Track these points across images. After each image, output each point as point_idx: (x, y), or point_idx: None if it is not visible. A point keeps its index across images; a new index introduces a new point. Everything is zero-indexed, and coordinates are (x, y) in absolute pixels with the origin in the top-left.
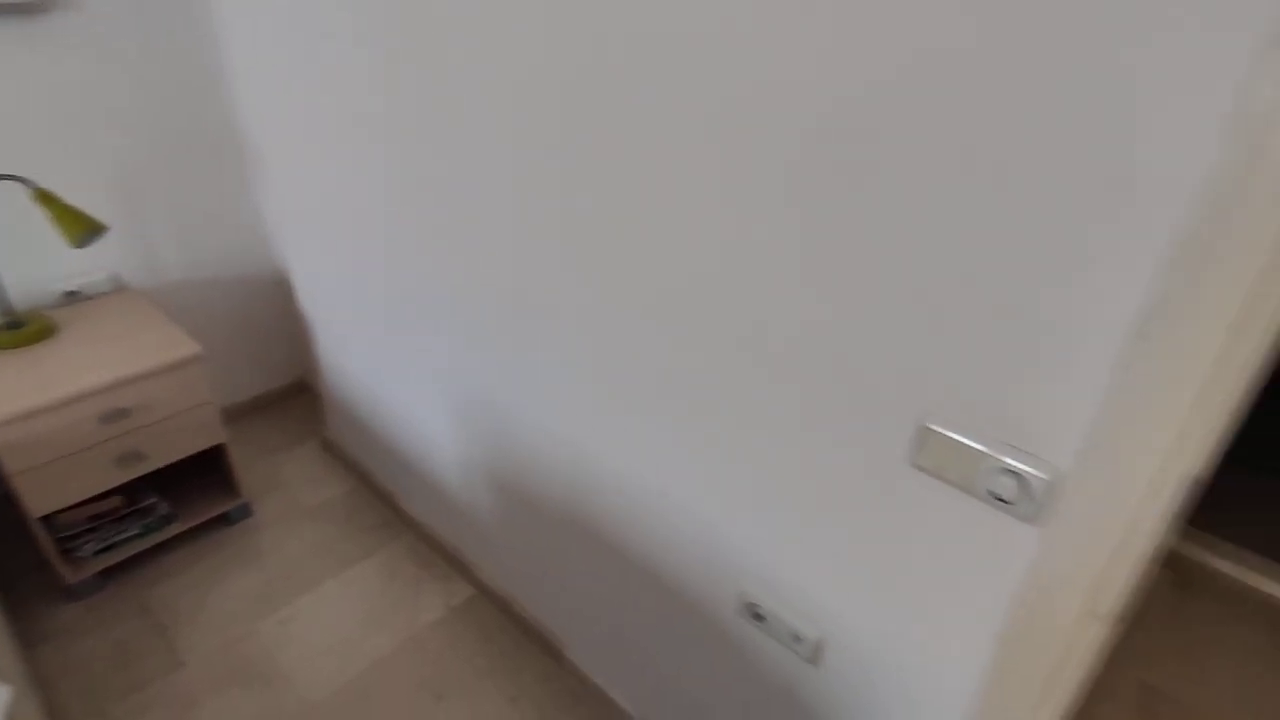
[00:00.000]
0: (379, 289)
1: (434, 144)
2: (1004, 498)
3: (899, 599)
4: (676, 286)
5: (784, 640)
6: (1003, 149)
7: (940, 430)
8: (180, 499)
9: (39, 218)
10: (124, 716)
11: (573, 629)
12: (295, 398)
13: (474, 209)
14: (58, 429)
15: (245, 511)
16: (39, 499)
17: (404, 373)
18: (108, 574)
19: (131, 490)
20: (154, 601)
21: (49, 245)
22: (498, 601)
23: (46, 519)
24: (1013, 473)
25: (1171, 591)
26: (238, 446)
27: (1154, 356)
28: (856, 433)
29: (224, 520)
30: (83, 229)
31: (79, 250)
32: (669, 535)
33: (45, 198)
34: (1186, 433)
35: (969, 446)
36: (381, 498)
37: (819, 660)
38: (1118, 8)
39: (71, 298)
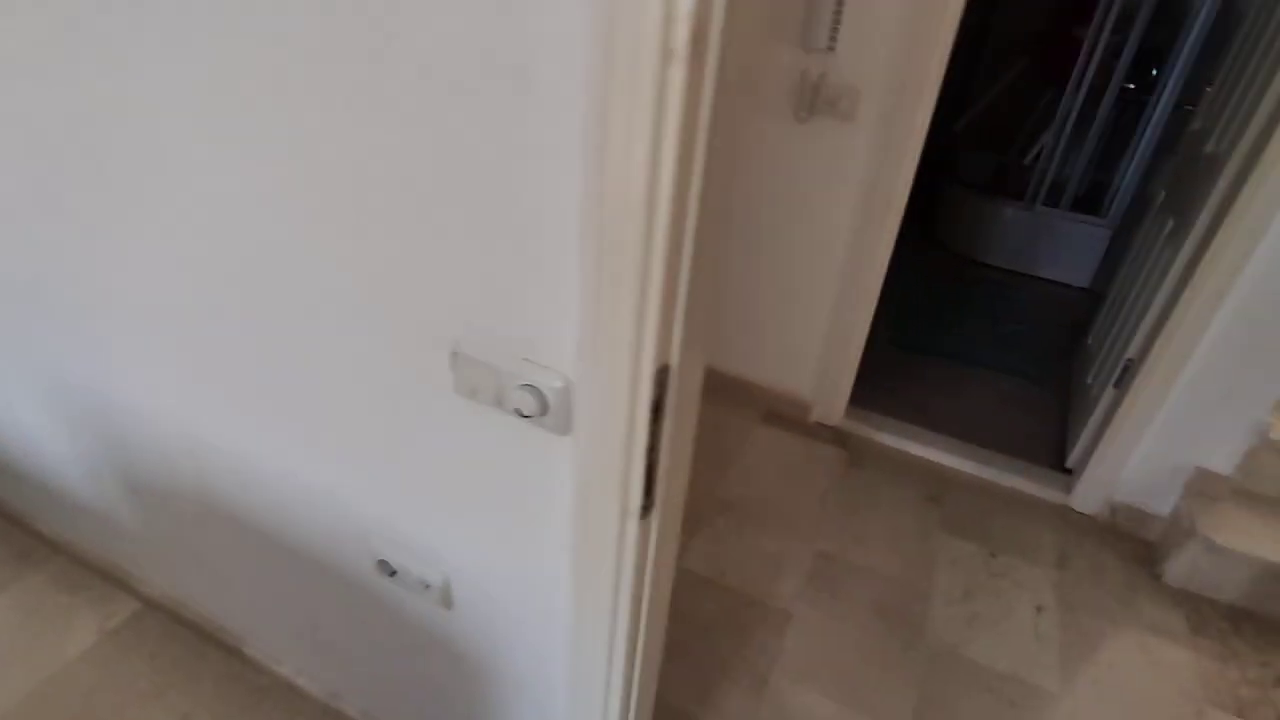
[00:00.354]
0: None
1: None
2: (525, 412)
3: (485, 529)
4: (214, 253)
5: (417, 590)
6: (420, 45)
7: (468, 354)
8: None
9: None
10: None
11: (248, 621)
12: None
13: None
14: None
15: None
16: None
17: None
18: None
19: None
20: None
21: None
22: (167, 611)
23: None
24: (530, 387)
25: (846, 469)
26: None
27: (602, 253)
28: (409, 371)
29: None
30: None
31: None
32: (299, 510)
33: None
34: (645, 325)
35: (492, 366)
36: (17, 525)
37: (450, 603)
38: None
39: None
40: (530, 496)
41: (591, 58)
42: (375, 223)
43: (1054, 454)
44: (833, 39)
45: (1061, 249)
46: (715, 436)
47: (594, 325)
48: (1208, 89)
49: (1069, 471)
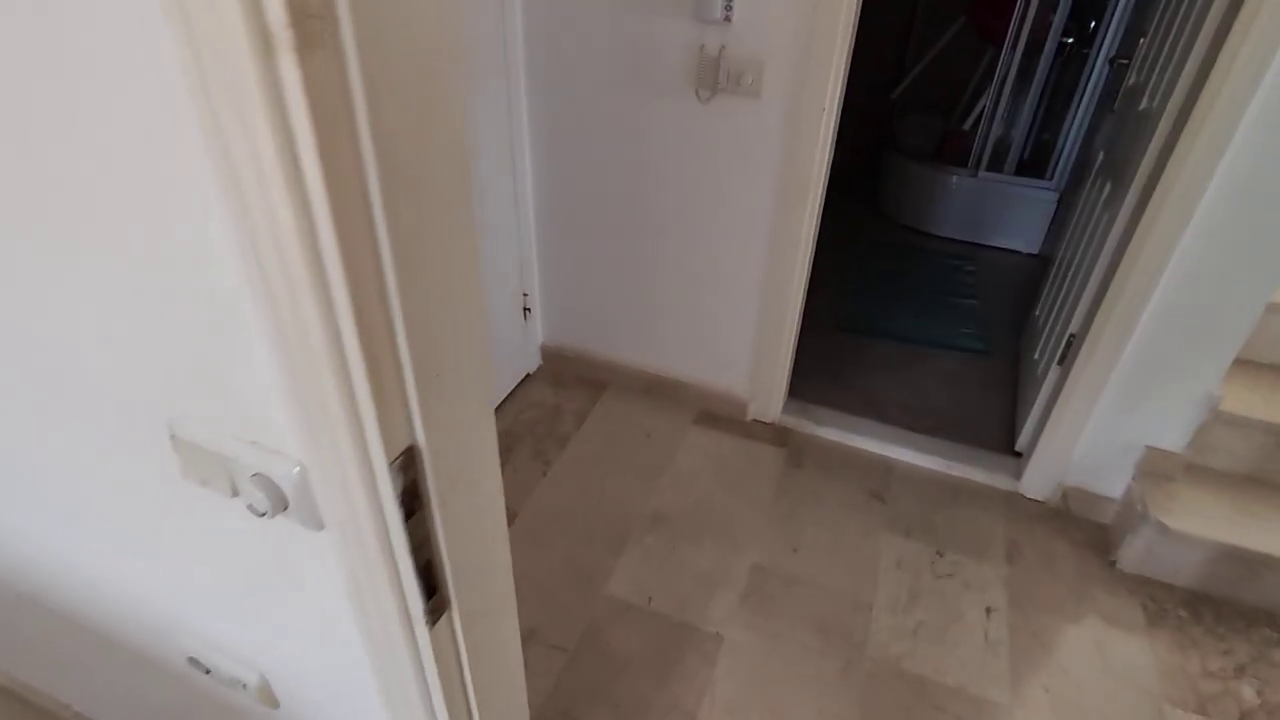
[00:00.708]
0: None
1: None
2: (258, 509)
3: (288, 627)
4: None
5: (236, 688)
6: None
7: (187, 437)
8: None
9: None
10: None
11: (99, 708)
12: None
13: None
14: None
15: None
16: None
17: None
18: None
19: None
20: None
21: None
22: (12, 694)
23: None
24: (262, 476)
25: (784, 469)
26: None
27: (278, 312)
28: (139, 457)
29: None
30: None
31: None
32: (109, 604)
33: None
34: (358, 400)
35: (216, 451)
36: None
37: (275, 703)
38: None
39: None
40: (317, 595)
41: (182, 53)
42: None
43: (1005, 437)
44: (728, 8)
45: (1008, 216)
46: (645, 443)
47: (302, 402)
48: (1141, 40)
49: (1019, 455)
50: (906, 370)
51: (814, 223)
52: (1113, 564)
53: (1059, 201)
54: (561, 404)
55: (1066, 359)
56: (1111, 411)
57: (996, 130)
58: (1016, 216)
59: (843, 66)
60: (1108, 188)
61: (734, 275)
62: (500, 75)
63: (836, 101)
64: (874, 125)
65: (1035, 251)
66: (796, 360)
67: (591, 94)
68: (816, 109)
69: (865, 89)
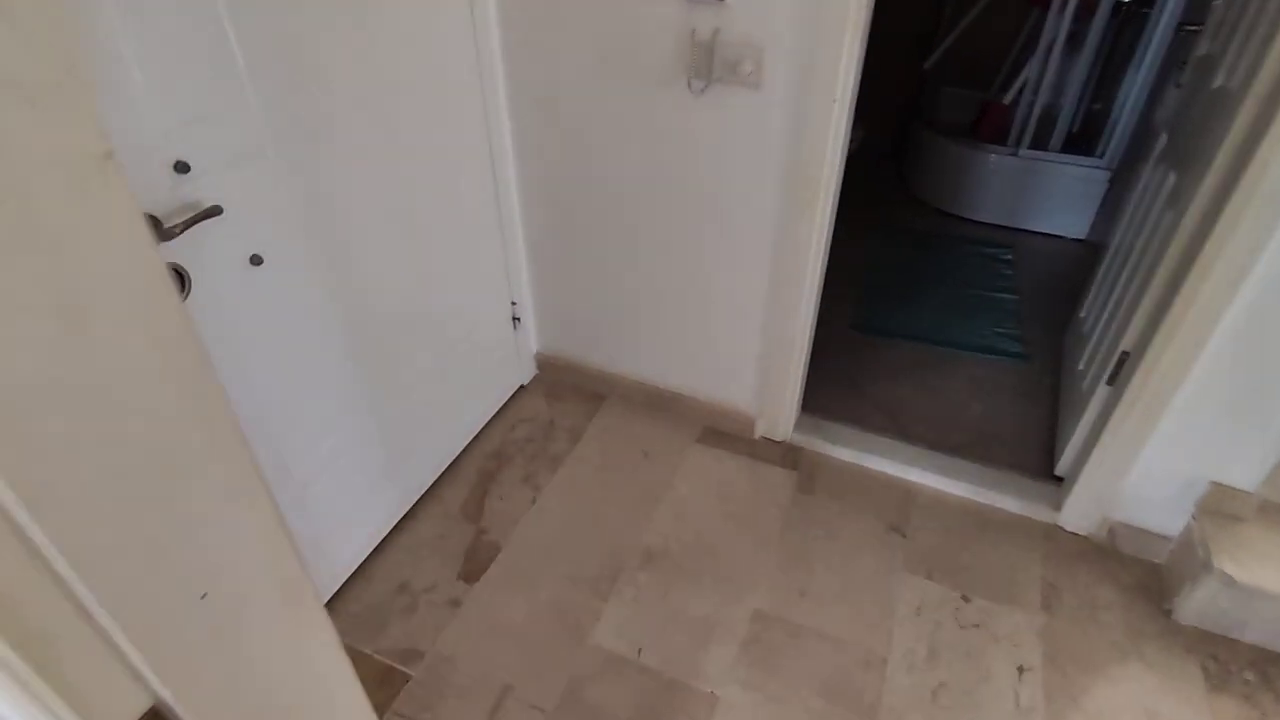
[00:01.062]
0: None
1: None
2: None
3: None
4: None
5: None
6: None
7: None
8: None
9: None
10: None
11: None
12: None
13: None
14: None
15: None
16: None
17: None
18: None
19: None
20: None
21: None
22: None
23: None
24: None
25: (794, 497)
26: None
27: None
28: None
29: None
30: None
31: None
32: None
33: None
34: None
35: None
36: None
37: None
38: None
39: None
40: None
41: None
42: None
43: (1043, 457)
44: None
45: (1053, 197)
46: (642, 464)
47: None
48: (1215, 2)
49: (1059, 480)
50: (933, 377)
51: (826, 226)
52: (1167, 614)
53: (1111, 181)
54: (556, 419)
55: (1118, 379)
56: (1170, 440)
57: (1041, 102)
58: (1062, 198)
59: (856, 50)
60: (1172, 178)
61: (736, 285)
62: (471, 67)
63: (849, 91)
64: (904, 97)
65: (1083, 236)
66: (811, 365)
67: (575, 85)
68: (826, 100)
69: (894, 57)
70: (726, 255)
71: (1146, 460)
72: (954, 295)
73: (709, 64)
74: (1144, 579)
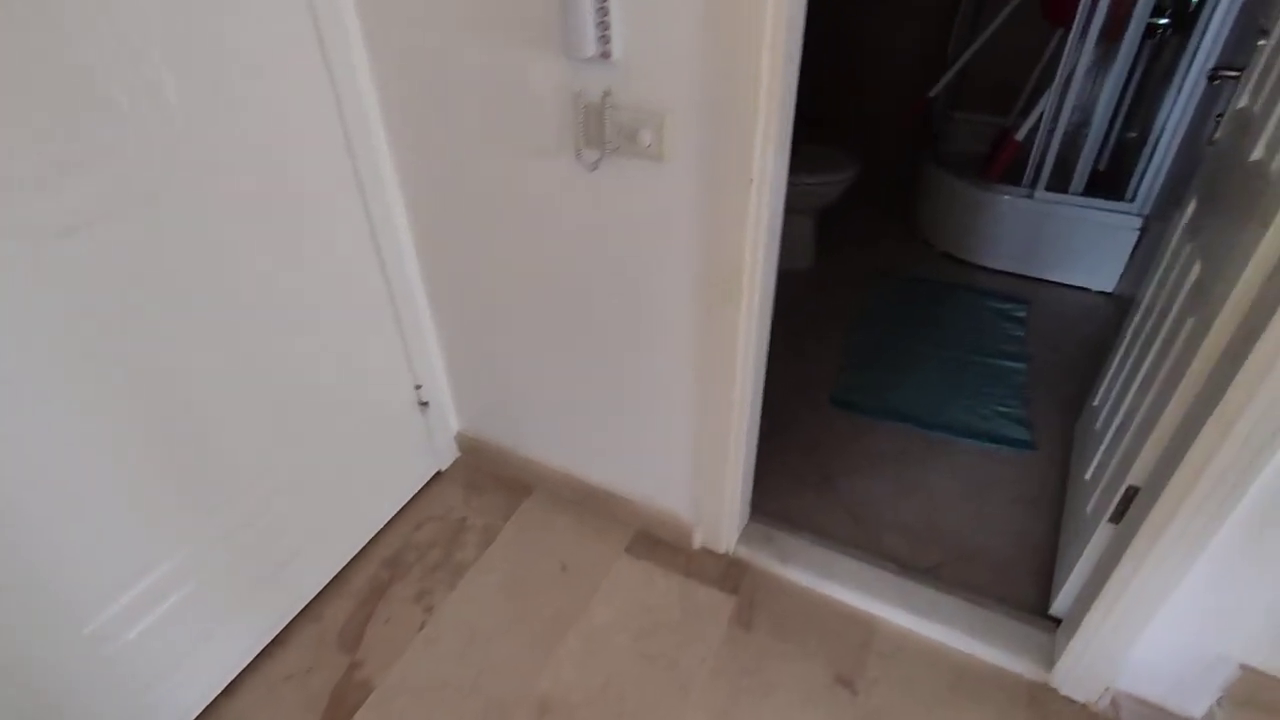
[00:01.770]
0: None
1: None
2: None
3: None
4: None
5: None
6: None
7: None
8: None
9: None
10: None
11: None
12: None
13: None
14: None
15: None
16: None
17: None
18: None
19: None
20: None
21: None
22: None
23: None
24: None
25: (729, 634)
26: None
27: None
28: None
29: None
30: None
31: None
32: None
33: None
34: None
35: None
36: None
37: None
38: None
39: None
40: None
41: None
42: None
43: (1038, 585)
44: (604, 39)
45: (1075, 246)
46: (557, 581)
47: None
48: (1261, 42)
49: (1056, 621)
50: (916, 471)
51: (758, 319)
52: None
53: (1142, 227)
54: (469, 516)
55: (1124, 518)
56: (1191, 609)
57: (1060, 138)
58: (1086, 247)
59: (776, 122)
60: (1196, 269)
61: (657, 385)
62: (346, 168)
63: (772, 170)
64: (911, 128)
65: (1110, 289)
66: (778, 449)
67: (463, 150)
68: (740, 180)
69: (901, 79)
70: (643, 351)
71: (1160, 627)
72: (954, 363)
73: (600, 132)
74: None
